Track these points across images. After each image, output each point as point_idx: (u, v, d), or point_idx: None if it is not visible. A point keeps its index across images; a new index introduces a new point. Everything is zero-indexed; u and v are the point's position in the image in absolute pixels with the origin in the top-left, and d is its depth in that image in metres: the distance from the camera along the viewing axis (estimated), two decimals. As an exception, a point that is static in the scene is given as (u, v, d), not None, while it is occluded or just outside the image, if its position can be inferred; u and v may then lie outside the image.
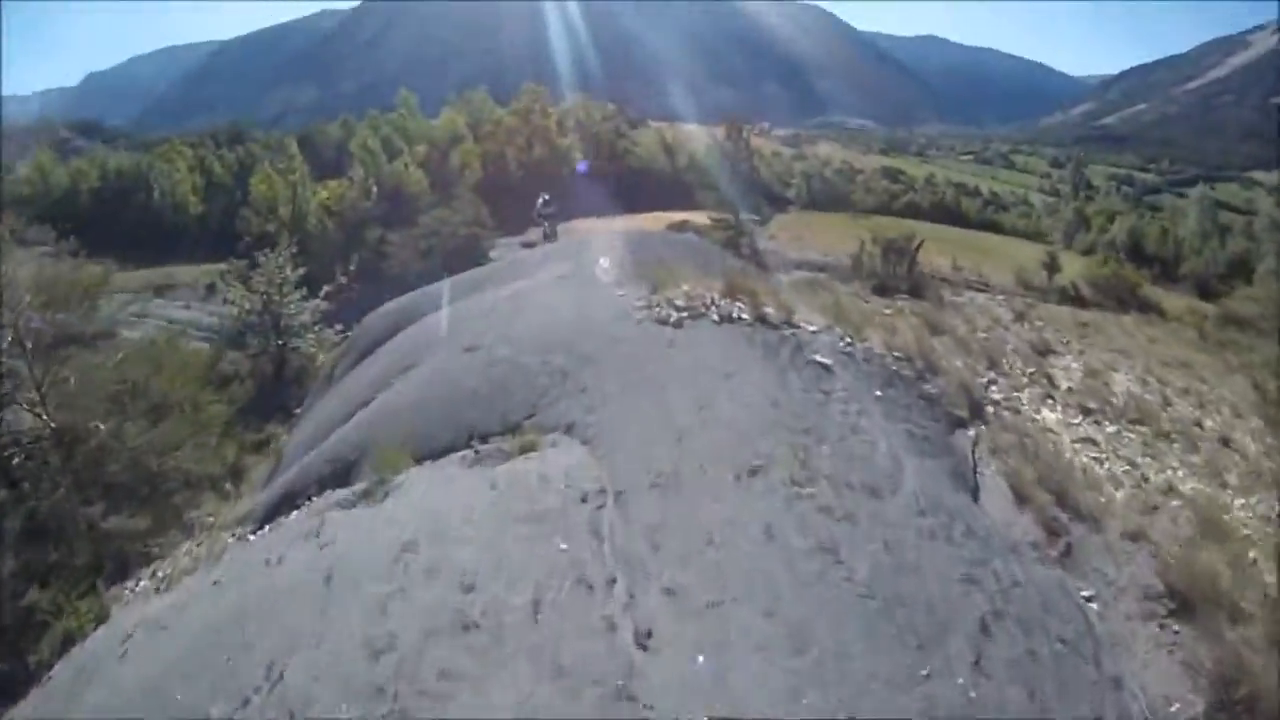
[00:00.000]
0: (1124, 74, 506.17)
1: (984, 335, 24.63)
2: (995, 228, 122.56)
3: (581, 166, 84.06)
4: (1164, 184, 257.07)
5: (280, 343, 43.43)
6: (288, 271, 43.23)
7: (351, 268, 65.77)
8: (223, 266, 72.43)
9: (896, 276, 35.89)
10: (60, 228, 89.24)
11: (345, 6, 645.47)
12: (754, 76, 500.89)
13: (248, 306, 43.62)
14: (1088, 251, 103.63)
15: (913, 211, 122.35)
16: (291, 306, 43.52)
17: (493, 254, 61.85)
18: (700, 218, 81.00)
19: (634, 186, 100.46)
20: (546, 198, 40.33)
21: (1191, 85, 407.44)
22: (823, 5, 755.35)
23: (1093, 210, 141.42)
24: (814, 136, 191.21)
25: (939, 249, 51.11)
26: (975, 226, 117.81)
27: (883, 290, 33.21)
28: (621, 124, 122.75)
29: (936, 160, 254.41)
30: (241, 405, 34.14)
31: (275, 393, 37.37)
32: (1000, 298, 45.04)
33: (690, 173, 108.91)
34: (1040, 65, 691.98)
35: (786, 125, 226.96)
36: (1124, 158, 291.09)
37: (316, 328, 45.35)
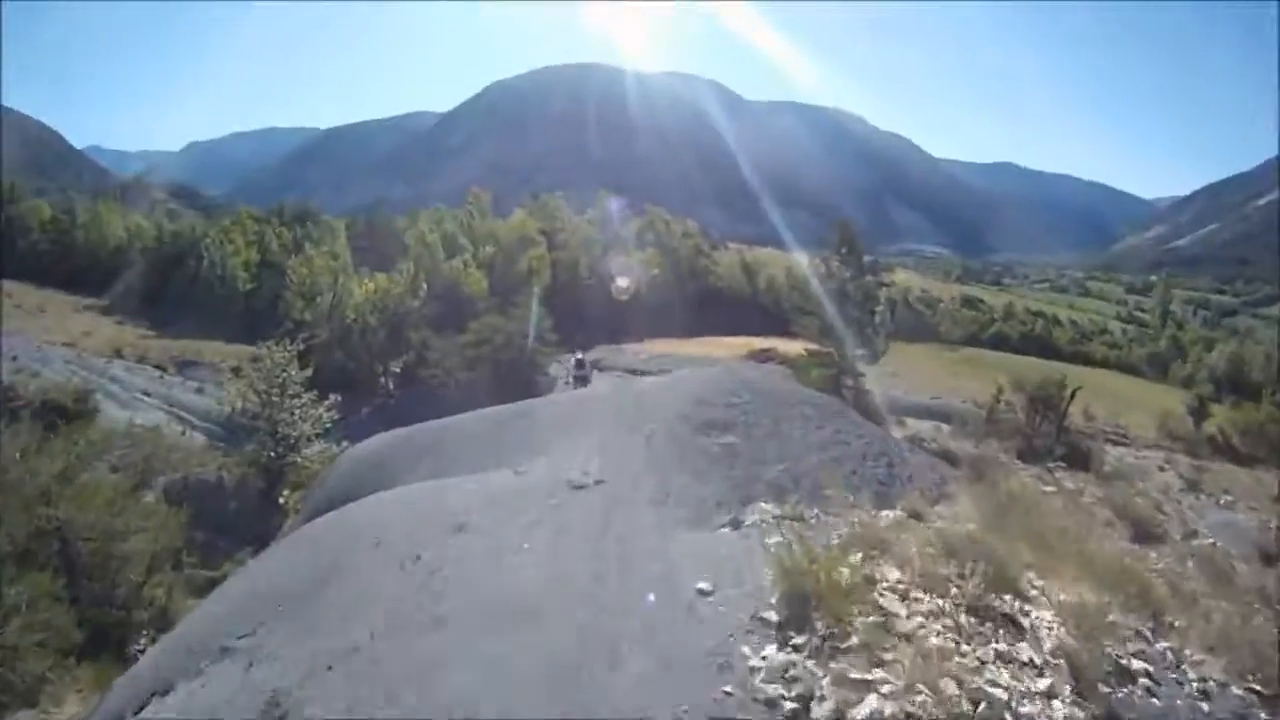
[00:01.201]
0: (1195, 194, 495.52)
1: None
2: (1086, 359, 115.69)
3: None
4: (1240, 305, 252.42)
5: (276, 453, 36.71)
6: (292, 371, 37.01)
7: (394, 370, 61.25)
8: (253, 350, 68.67)
9: (1041, 433, 31.78)
10: (100, 284, 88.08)
11: (441, 110, 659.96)
12: (833, 200, 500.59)
13: (241, 406, 37.35)
14: (1187, 383, 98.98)
15: (1001, 342, 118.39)
16: (294, 412, 37.08)
17: (551, 369, 55.63)
18: (788, 346, 74.48)
19: (711, 307, 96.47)
20: (580, 357, 35.95)
21: (1261, 202, 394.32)
22: (899, 131, 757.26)
23: (1188, 338, 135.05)
24: (890, 263, 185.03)
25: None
26: (1066, 359, 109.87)
27: (1031, 452, 29.64)
28: (701, 242, 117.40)
29: (1012, 288, 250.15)
30: (220, 524, 30.79)
31: (261, 513, 31.30)
32: (1145, 453, 41.28)
33: (770, 296, 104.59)
34: (1111, 189, 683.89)
35: (866, 252, 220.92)
36: (1199, 280, 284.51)
37: (319, 440, 38.84)
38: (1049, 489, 20.63)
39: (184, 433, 43.12)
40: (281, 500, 30.84)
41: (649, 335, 79.74)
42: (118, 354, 63.93)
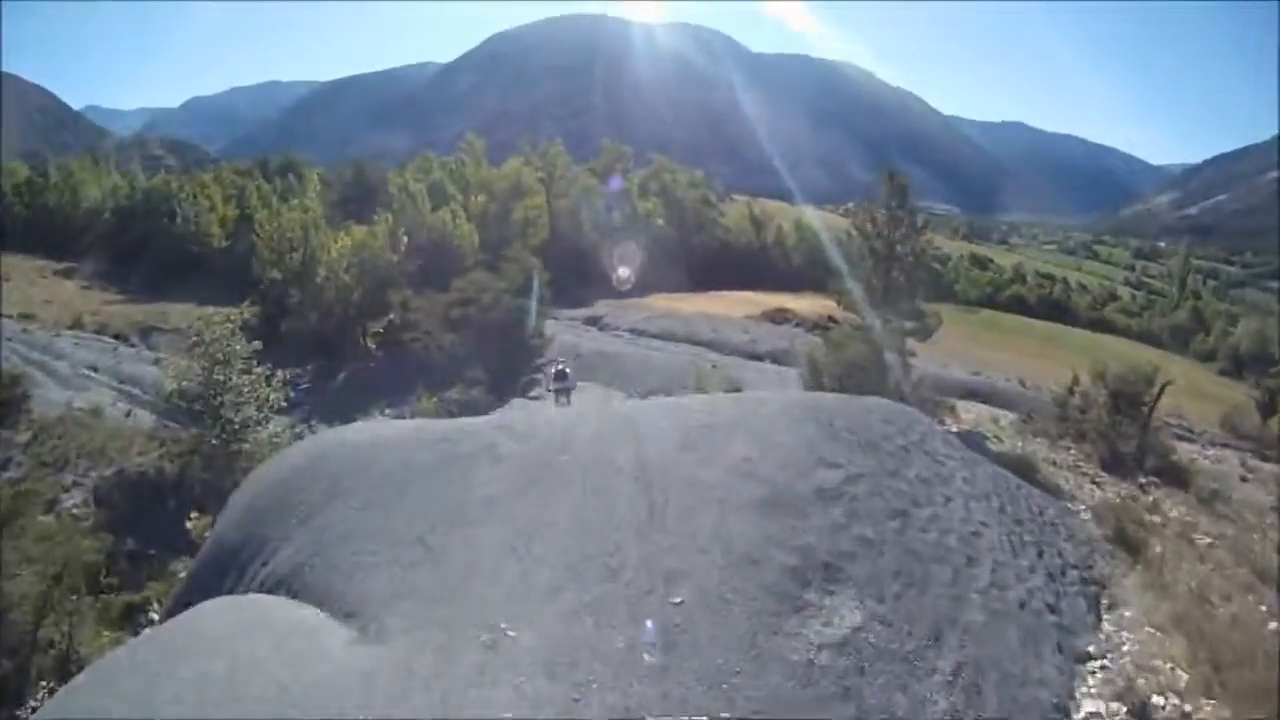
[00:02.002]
0: (1204, 163, 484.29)
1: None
2: (1106, 326, 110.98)
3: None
4: (1249, 276, 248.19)
5: (220, 440, 31.48)
6: (235, 344, 32.57)
7: (375, 331, 56.00)
8: (230, 310, 63.33)
9: (1124, 434, 26.83)
10: (71, 248, 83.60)
11: (443, 60, 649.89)
12: (838, 157, 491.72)
13: (179, 387, 32.41)
14: (1208, 357, 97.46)
15: (1018, 305, 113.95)
16: (241, 392, 32.38)
17: (548, 329, 50.86)
18: (801, 304, 69.23)
19: (718, 260, 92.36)
20: (562, 366, 33.51)
21: (1273, 174, 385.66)
22: (908, 88, 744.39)
23: (1209, 310, 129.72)
24: None
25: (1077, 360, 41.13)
26: (1084, 325, 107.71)
27: (1116, 461, 25.47)
28: (709, 193, 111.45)
29: (1020, 249, 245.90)
30: (154, 529, 27.21)
31: (205, 509, 25.37)
32: (1214, 452, 36.64)
33: (779, 249, 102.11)
34: (1120, 153, 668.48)
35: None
36: (1207, 249, 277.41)
37: (274, 420, 34.09)
38: (1153, 518, 18.81)
39: (129, 414, 37.92)
40: (189, 525, 25.21)
41: (654, 289, 74.31)
42: (76, 324, 59.31)
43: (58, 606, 19.50)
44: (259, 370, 33.47)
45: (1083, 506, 19.16)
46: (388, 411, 43.46)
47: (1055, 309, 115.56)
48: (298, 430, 37.41)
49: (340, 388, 50.24)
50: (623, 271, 46.59)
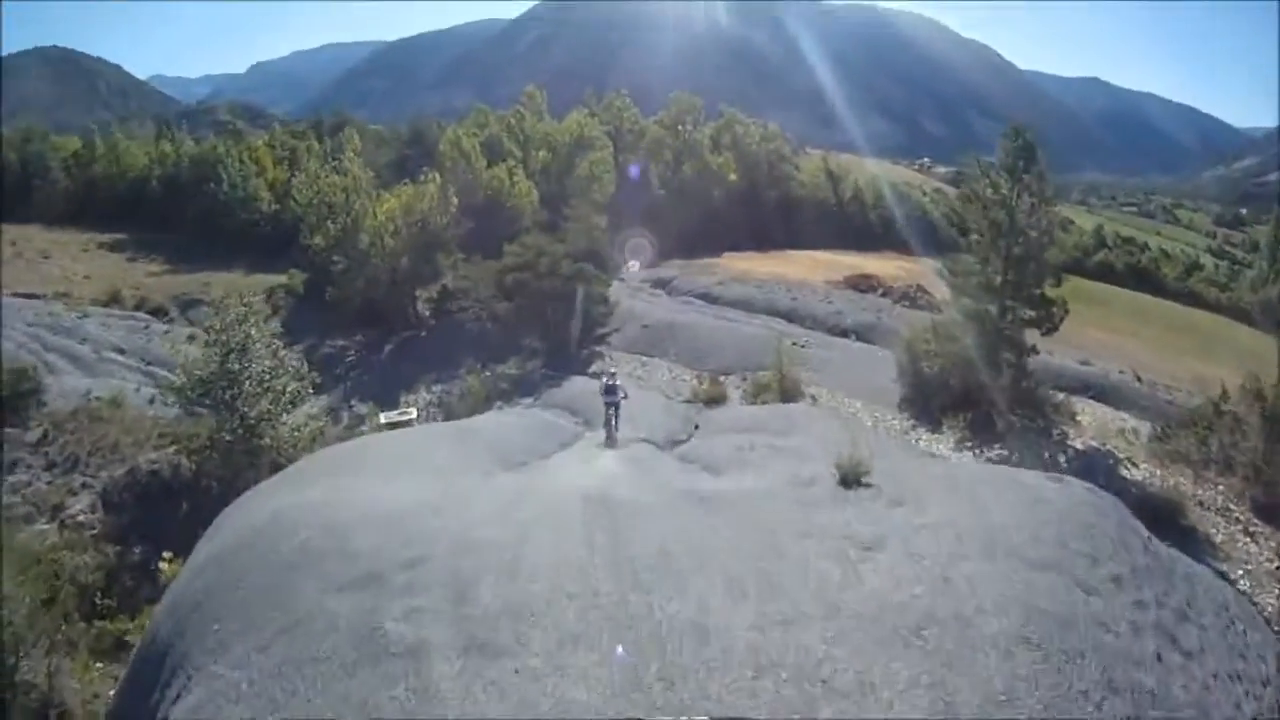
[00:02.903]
0: None
1: None
2: (1196, 299, 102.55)
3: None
4: None
5: (236, 432, 28.45)
6: (250, 328, 29.47)
7: (426, 299, 52.23)
8: (277, 279, 60.26)
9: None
10: (118, 219, 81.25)
11: (507, 16, 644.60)
12: (911, 110, 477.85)
13: (193, 377, 28.89)
14: None
15: (1106, 273, 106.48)
16: (258, 380, 29.04)
17: (611, 293, 46.18)
18: (883, 267, 63.97)
19: (791, 217, 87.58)
20: (613, 377, 27.53)
21: None
22: (985, 41, 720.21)
23: None
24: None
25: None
26: (1172, 296, 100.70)
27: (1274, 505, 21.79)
28: (783, 146, 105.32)
29: (1100, 211, 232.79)
30: (165, 535, 24.04)
31: (214, 513, 21.36)
32: None
33: (855, 205, 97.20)
34: (1200, 113, 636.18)
35: (945, 163, 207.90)
36: None
37: (294, 413, 30.79)
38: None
39: (153, 401, 34.45)
40: (161, 570, 22.17)
41: (726, 249, 69.85)
42: (113, 299, 56.40)
43: (40, 640, 17.72)
44: (283, 354, 30.56)
45: (1241, 572, 16.29)
46: (435, 389, 40.63)
47: (1142, 278, 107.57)
48: (322, 423, 34.08)
49: (387, 360, 47.02)
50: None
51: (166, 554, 22.51)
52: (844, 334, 45.21)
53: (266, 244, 68.00)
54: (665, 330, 45.17)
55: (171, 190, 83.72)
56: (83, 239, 75.83)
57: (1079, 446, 28.73)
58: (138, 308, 55.62)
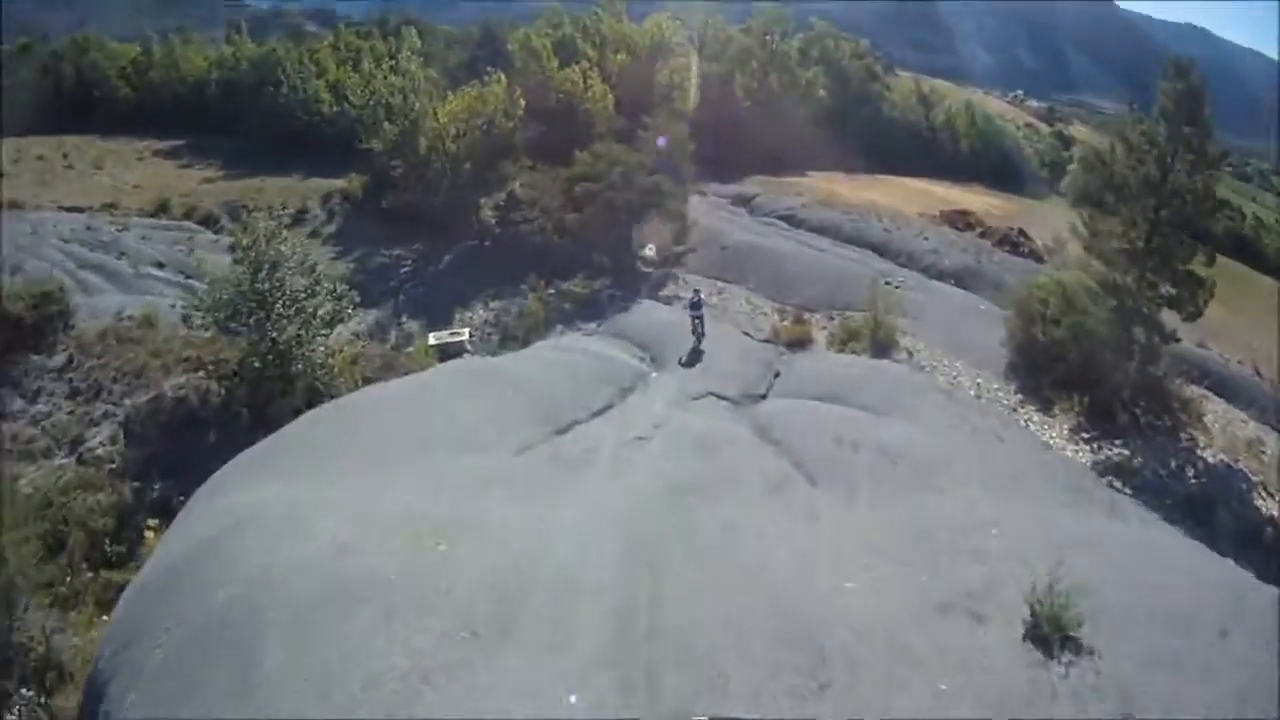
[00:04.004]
0: None
1: None
2: None
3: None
4: None
5: (268, 356, 26.11)
6: (281, 245, 26.89)
7: (488, 209, 48.94)
8: (336, 184, 57.02)
9: None
10: (175, 126, 78.81)
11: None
12: (1005, 39, 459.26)
13: (220, 299, 26.40)
14: None
15: (1203, 236, 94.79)
16: (291, 300, 26.51)
17: (689, 213, 43.81)
18: (977, 201, 59.35)
19: (880, 141, 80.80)
20: (698, 294, 31.43)
21: None
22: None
23: None
24: (1067, 114, 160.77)
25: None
26: (1272, 273, 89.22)
27: None
28: (874, 65, 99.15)
29: None
30: (187, 467, 21.90)
31: (243, 444, 20.57)
32: None
33: (947, 133, 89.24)
34: None
35: (1038, 97, 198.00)
36: None
37: (330, 335, 28.18)
38: None
39: (187, 319, 31.77)
40: (148, 533, 20.63)
41: (810, 168, 64.88)
42: (161, 209, 53.91)
43: (39, 595, 17.34)
44: (319, 270, 28.17)
45: None
46: (493, 305, 37.99)
47: (1241, 246, 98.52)
48: (360, 346, 31.71)
49: (445, 272, 43.84)
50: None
51: (152, 521, 20.76)
52: (940, 276, 40.72)
53: (327, 148, 64.24)
54: (745, 254, 41.62)
55: (230, 94, 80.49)
56: (139, 147, 73.46)
57: (1209, 459, 25.04)
58: (186, 216, 53.14)
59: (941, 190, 63.92)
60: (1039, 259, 44.21)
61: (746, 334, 31.61)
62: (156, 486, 23.12)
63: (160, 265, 42.76)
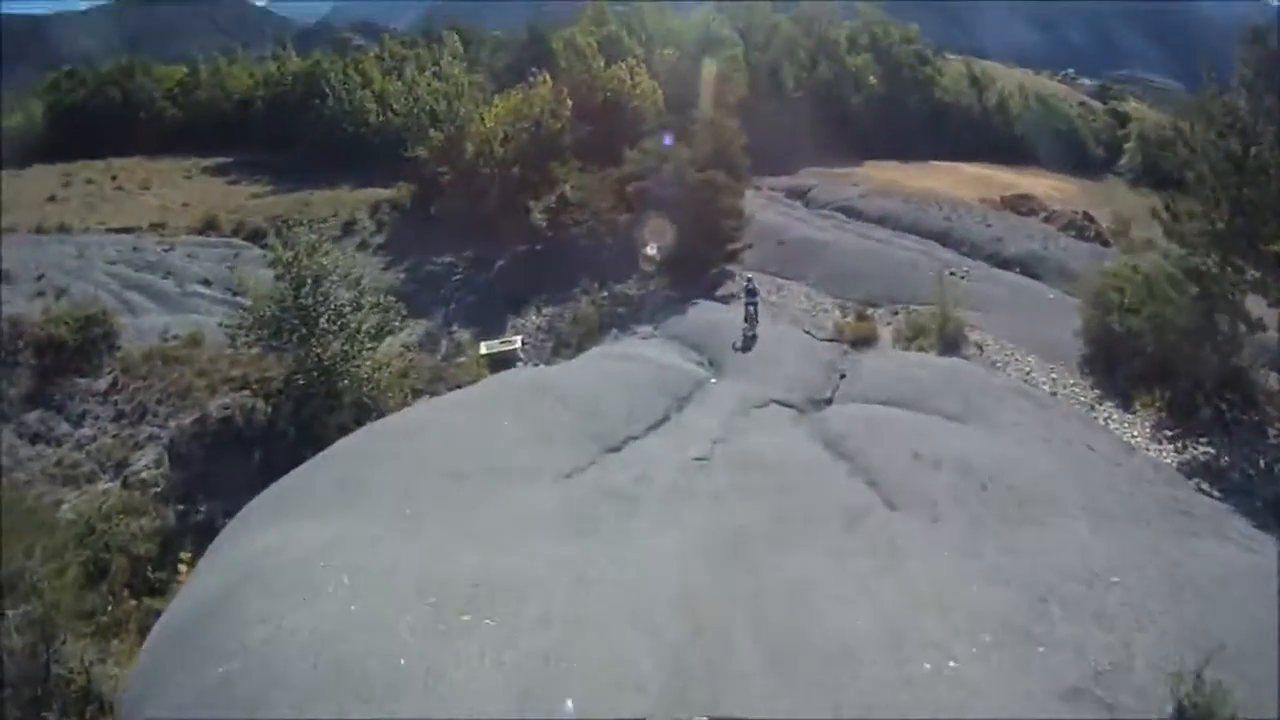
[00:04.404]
0: None
1: None
2: None
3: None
4: None
5: (311, 374, 25.61)
6: (322, 258, 26.16)
7: (538, 212, 47.68)
8: (384, 194, 56.90)
9: None
10: (223, 143, 79.46)
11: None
12: (1052, 15, 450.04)
13: (264, 315, 26.01)
14: None
15: None
16: (336, 312, 25.91)
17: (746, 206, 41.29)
18: (1037, 185, 57.48)
19: (933, 127, 79.34)
20: (751, 282, 31.67)
21: None
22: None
23: None
24: (1120, 91, 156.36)
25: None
26: None
27: None
28: (924, 49, 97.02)
29: None
30: (232, 489, 21.01)
31: (289, 464, 19.93)
32: None
33: (1000, 116, 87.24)
34: None
35: (1089, 75, 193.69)
36: None
37: (378, 349, 27.28)
38: None
39: (235, 339, 31.39)
40: (181, 566, 19.97)
41: (865, 157, 63.28)
42: (209, 226, 53.80)
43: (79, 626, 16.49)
44: (364, 283, 27.31)
45: None
46: (546, 311, 36.99)
47: None
48: (408, 359, 31.17)
49: (496, 278, 42.94)
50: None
51: (185, 554, 19.93)
52: (1005, 265, 38.94)
53: (375, 158, 64.11)
54: (804, 249, 40.53)
55: (277, 109, 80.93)
56: (186, 165, 74.01)
57: None
58: (234, 233, 52.81)
59: (1000, 175, 62.16)
60: (1105, 243, 42.47)
61: (808, 333, 30.26)
62: (201, 509, 22.85)
63: (207, 283, 42.57)
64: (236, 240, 51.38)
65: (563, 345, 32.78)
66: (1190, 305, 24.35)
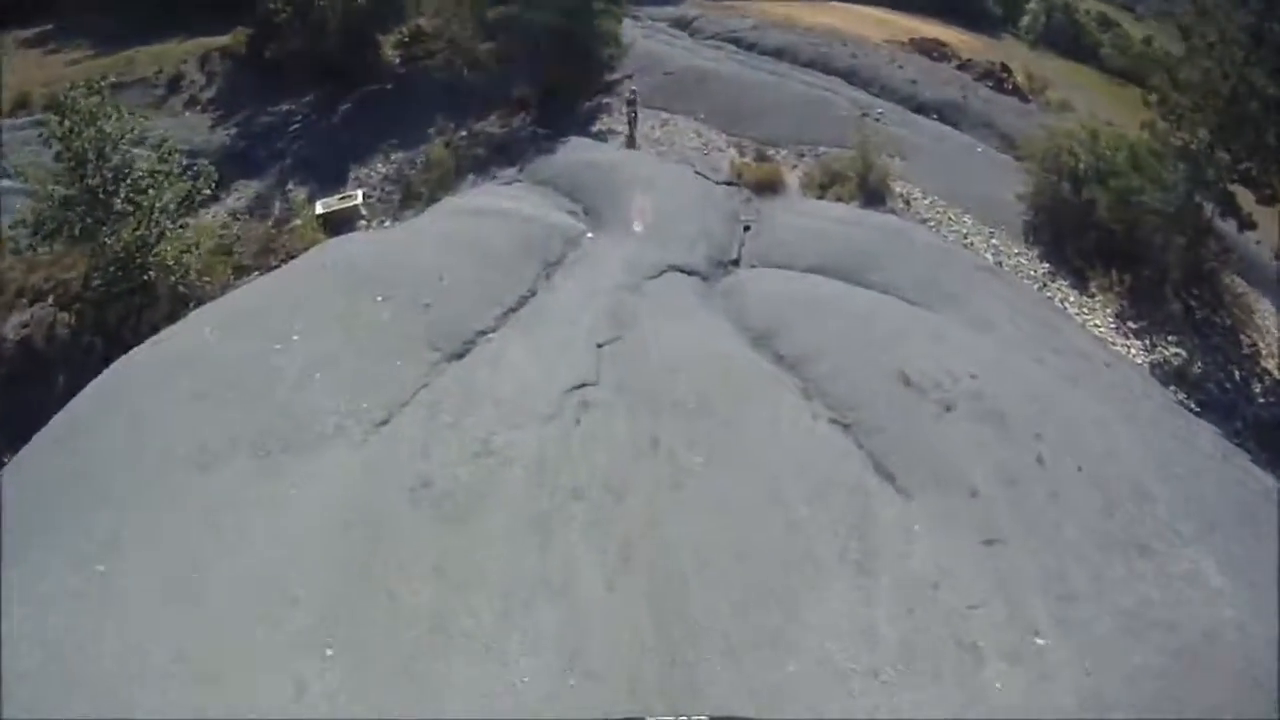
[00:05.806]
0: None
1: None
2: None
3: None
4: None
5: (110, 267, 20.88)
6: (109, 124, 22.41)
7: (401, 42, 42.21)
8: (219, 41, 48.83)
9: None
10: (39, 8, 66.55)
11: None
12: None
13: (46, 201, 21.70)
14: None
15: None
16: (134, 184, 21.62)
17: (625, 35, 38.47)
18: (951, 36, 51.60)
19: None
20: (634, 94, 32.26)
21: None
22: None
23: None
24: None
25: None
26: None
27: None
28: None
29: (1146, 19, 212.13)
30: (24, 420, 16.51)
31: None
32: None
33: None
34: None
35: None
36: None
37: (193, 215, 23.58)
38: None
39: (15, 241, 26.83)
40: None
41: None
42: (21, 104, 45.58)
43: None
44: (168, 146, 23.43)
45: None
46: (395, 158, 32.88)
47: None
48: (231, 232, 26.58)
49: (340, 125, 37.90)
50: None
51: None
52: (921, 110, 36.02)
53: (210, 4, 57.14)
54: (693, 80, 36.74)
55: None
56: (9, 37, 64.80)
57: (1274, 372, 21.30)
58: (48, 108, 46.02)
59: (899, 19, 56.87)
60: (1024, 99, 40.33)
61: (701, 175, 27.14)
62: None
63: (7, 175, 36.78)
64: (51, 116, 44.87)
65: (412, 197, 29.23)
66: (1174, 187, 22.49)
